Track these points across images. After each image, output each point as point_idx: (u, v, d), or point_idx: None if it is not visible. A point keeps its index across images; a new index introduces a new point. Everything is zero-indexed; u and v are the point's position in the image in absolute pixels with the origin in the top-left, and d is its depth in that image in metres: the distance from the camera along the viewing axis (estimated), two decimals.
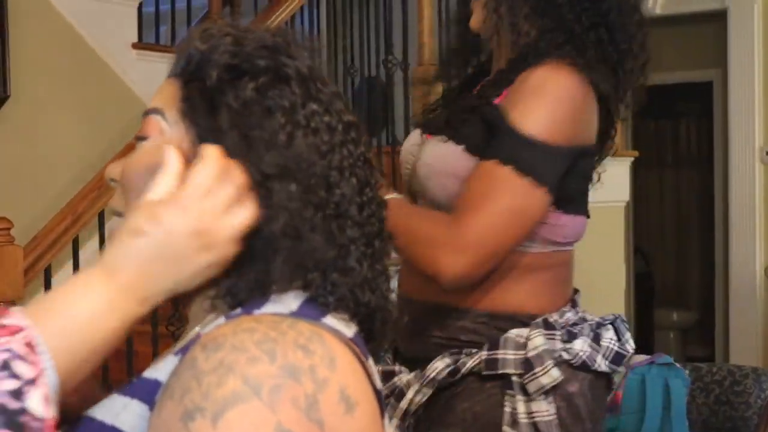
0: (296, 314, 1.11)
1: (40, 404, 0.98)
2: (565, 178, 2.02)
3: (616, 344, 2.10)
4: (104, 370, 3.64)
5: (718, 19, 6.50)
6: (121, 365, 3.66)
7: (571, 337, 2.05)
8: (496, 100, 2.05)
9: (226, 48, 1.16)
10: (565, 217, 2.09)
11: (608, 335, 2.10)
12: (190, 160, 1.14)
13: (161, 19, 5.44)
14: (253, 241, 1.13)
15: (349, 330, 1.15)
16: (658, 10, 6.59)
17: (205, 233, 1.09)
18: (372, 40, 5.06)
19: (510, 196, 1.95)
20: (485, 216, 1.94)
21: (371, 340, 1.21)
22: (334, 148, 1.16)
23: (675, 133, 9.32)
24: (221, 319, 1.12)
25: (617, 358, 2.10)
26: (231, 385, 1.01)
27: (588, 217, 2.18)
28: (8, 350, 0.98)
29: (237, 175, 1.11)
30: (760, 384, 3.13)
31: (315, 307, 1.14)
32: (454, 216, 1.96)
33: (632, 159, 5.48)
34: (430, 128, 2.18)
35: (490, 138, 2.00)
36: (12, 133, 4.51)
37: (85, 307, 1.06)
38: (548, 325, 2.04)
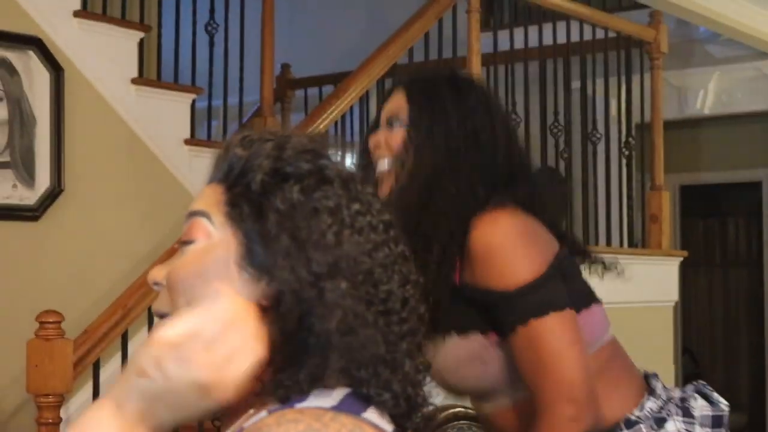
0: (337, 408, 1.12)
1: None
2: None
3: (710, 409, 2.10)
4: None
5: (766, 119, 6.51)
6: None
7: (659, 423, 2.06)
8: (459, 278, 2.07)
9: (268, 153, 1.20)
10: (585, 313, 2.11)
11: (698, 404, 2.11)
12: (237, 264, 1.17)
13: (213, 114, 5.52)
14: (308, 338, 1.13)
15: (389, 426, 1.16)
16: (706, 111, 6.61)
17: (206, 386, 1.08)
18: None
19: (552, 339, 1.99)
20: (565, 368, 1.98)
21: None
22: (378, 246, 1.19)
23: (724, 233, 9.27)
24: (263, 413, 1.13)
25: (717, 421, 2.10)
26: None
27: (599, 301, 2.19)
28: None
29: (246, 319, 1.10)
30: None
31: (356, 401, 1.15)
32: (537, 396, 2.01)
33: (681, 259, 5.45)
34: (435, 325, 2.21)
35: (483, 314, 2.04)
36: (65, 227, 4.57)
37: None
38: (630, 423, 2.05)
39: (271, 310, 1.16)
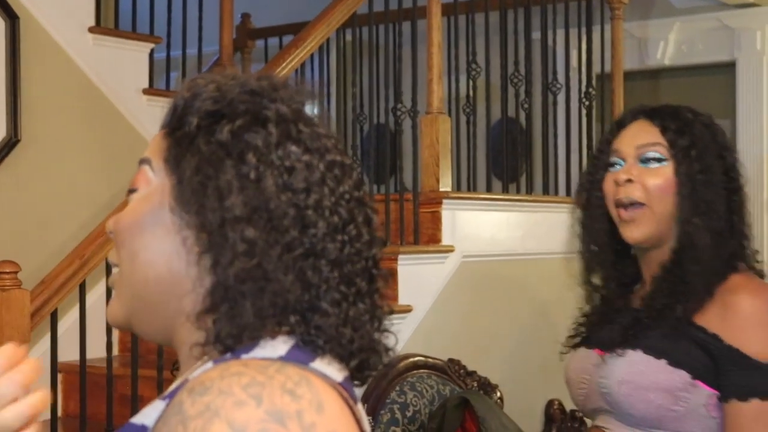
0: (285, 358, 1.11)
1: None
2: None
3: None
4: (108, 415, 3.63)
5: (726, 70, 6.52)
6: (125, 411, 3.65)
7: None
8: (698, 320, 2.13)
9: (208, 95, 1.19)
10: None
11: None
12: (170, 208, 1.16)
13: (172, 65, 5.47)
14: (214, 289, 1.12)
15: (339, 374, 1.14)
16: (667, 62, 6.62)
17: None
18: (381, 88, 5.08)
19: None
20: None
21: (363, 383, 1.21)
22: (311, 187, 1.15)
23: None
24: (209, 364, 1.12)
25: None
26: (216, 429, 0.99)
27: None
28: None
29: (25, 372, 1.18)
30: None
31: (304, 351, 1.13)
32: None
33: None
34: (602, 344, 2.25)
35: (708, 362, 2.10)
36: (22, 177, 4.53)
37: None
38: None
39: (204, 255, 1.14)
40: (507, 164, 5.01)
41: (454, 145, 4.84)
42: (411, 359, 3.53)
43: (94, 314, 3.67)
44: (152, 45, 5.14)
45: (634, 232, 2.21)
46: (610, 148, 2.30)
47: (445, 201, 4.27)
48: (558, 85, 5.22)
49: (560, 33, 5.36)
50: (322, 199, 1.16)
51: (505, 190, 4.98)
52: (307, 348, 1.14)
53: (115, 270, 1.23)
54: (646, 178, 2.21)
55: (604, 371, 2.20)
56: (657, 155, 2.21)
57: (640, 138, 2.24)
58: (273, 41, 6.42)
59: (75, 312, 3.99)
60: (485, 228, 4.48)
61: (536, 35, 5.29)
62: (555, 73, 5.25)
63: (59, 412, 3.88)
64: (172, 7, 5.17)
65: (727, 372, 2.09)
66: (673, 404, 2.10)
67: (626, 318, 2.23)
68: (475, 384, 3.66)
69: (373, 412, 3.27)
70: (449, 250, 4.26)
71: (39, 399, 1.18)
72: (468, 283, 4.36)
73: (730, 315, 2.11)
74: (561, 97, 5.28)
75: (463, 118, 5.04)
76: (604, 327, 2.28)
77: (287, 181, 1.14)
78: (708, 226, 2.16)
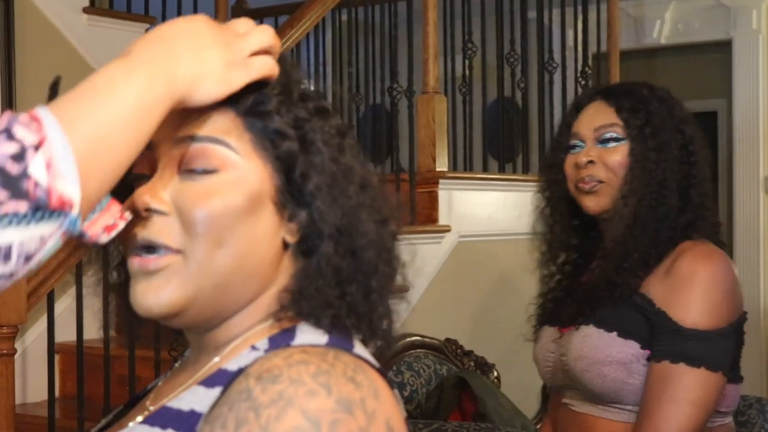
0: (331, 344, 1.11)
1: (43, 170, 0.91)
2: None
3: None
4: (106, 396, 3.63)
5: (722, 49, 6.52)
6: (123, 391, 3.65)
7: None
8: (640, 287, 2.16)
9: (278, 79, 1.16)
10: (729, 386, 2.18)
11: None
12: (272, 198, 1.14)
13: None
14: (342, 268, 1.14)
15: (374, 360, 1.15)
16: (663, 41, 6.61)
17: (227, 34, 1.09)
18: (377, 68, 5.07)
19: (688, 390, 2.07)
20: (672, 419, 2.06)
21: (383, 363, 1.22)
22: (367, 177, 1.19)
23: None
24: (251, 350, 1.11)
25: None
26: (291, 419, 0.99)
27: (741, 382, 2.26)
28: (10, 118, 0.93)
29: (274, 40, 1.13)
30: (764, 414, 3.11)
31: (341, 336, 1.13)
32: (641, 427, 2.09)
33: None
34: (562, 321, 2.29)
35: (649, 330, 2.13)
36: None
37: (100, 76, 1.01)
38: None
39: (300, 244, 1.15)
40: (503, 144, 5.01)
41: (450, 125, 4.83)
42: (408, 339, 3.54)
43: (90, 295, 3.67)
44: (147, 25, 5.13)
45: (592, 201, 2.25)
46: (569, 131, 2.32)
47: (441, 181, 4.27)
48: (554, 65, 5.21)
49: (556, 12, 5.36)
50: (370, 186, 1.19)
51: (502, 170, 4.98)
52: (340, 332, 1.14)
53: (167, 259, 1.12)
54: (605, 157, 2.24)
55: (563, 348, 2.24)
56: (614, 135, 2.25)
57: (598, 119, 2.27)
58: (269, 21, 6.40)
59: (72, 293, 3.99)
60: (482, 208, 4.48)
61: (532, 14, 5.29)
62: (551, 52, 5.24)
63: (57, 393, 3.88)
64: None
65: (655, 336, 2.12)
66: (627, 377, 2.12)
67: (581, 293, 2.25)
68: (472, 364, 3.67)
69: None
70: (446, 230, 4.26)
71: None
72: (464, 262, 4.37)
73: (668, 279, 2.14)
74: (557, 77, 5.28)
75: (459, 98, 5.04)
76: (564, 302, 2.30)
77: (363, 174, 1.18)
78: (660, 203, 2.19)
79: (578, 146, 2.29)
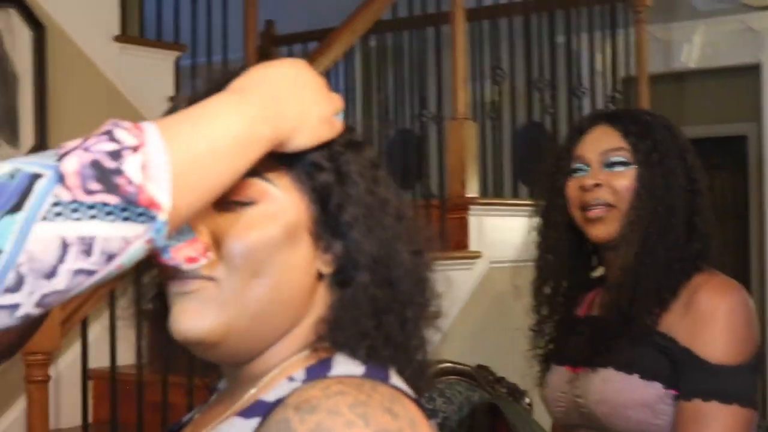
0: (367, 375, 1.12)
1: (137, 170, 0.92)
2: None
3: None
4: (138, 422, 3.64)
5: (751, 72, 6.50)
6: (155, 417, 3.66)
7: None
8: (657, 324, 2.12)
9: None
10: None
11: None
12: (309, 230, 1.15)
13: (198, 73, 5.48)
14: (378, 299, 1.15)
15: (410, 390, 1.15)
16: (692, 64, 6.60)
17: (324, 88, 1.14)
18: (406, 93, 5.08)
19: (722, 429, 2.03)
20: None
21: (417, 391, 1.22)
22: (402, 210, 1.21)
23: (709, 187, 9.26)
24: (288, 382, 1.12)
25: None
26: None
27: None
28: (114, 123, 0.95)
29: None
30: None
31: (377, 367, 1.14)
32: None
33: None
34: (573, 360, 2.24)
35: (673, 369, 2.08)
36: None
37: (209, 105, 1.03)
38: None
39: (336, 275, 1.16)
40: (533, 169, 5.01)
41: (480, 151, 4.84)
42: (439, 365, 3.53)
43: (123, 321, 3.68)
44: (178, 53, 5.17)
45: (599, 229, 2.19)
46: (571, 155, 2.27)
47: (471, 207, 4.27)
48: (583, 90, 5.21)
49: (584, 37, 5.36)
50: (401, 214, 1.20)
51: (532, 195, 4.97)
52: (376, 363, 1.15)
53: (200, 282, 1.12)
54: (612, 181, 2.20)
55: (578, 389, 2.18)
56: (622, 159, 2.20)
57: (604, 143, 2.23)
58: (298, 48, 6.44)
59: (105, 319, 4.01)
60: (512, 233, 4.47)
61: (560, 39, 5.29)
62: (580, 77, 5.25)
63: (90, 419, 3.89)
64: (197, 15, 5.19)
65: (682, 375, 2.08)
66: (653, 419, 2.08)
67: (589, 328, 2.22)
68: (504, 390, 3.65)
69: None
70: (476, 256, 4.26)
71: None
72: (495, 288, 4.36)
73: (689, 315, 2.09)
74: (586, 102, 5.28)
75: (488, 123, 5.04)
76: (569, 339, 2.26)
77: (398, 205, 1.19)
78: (668, 230, 2.16)
79: (582, 170, 2.24)
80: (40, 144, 4.47)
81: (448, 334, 4.01)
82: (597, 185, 2.20)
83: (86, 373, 3.69)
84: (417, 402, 1.13)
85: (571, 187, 2.24)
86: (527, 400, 3.67)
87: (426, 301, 1.19)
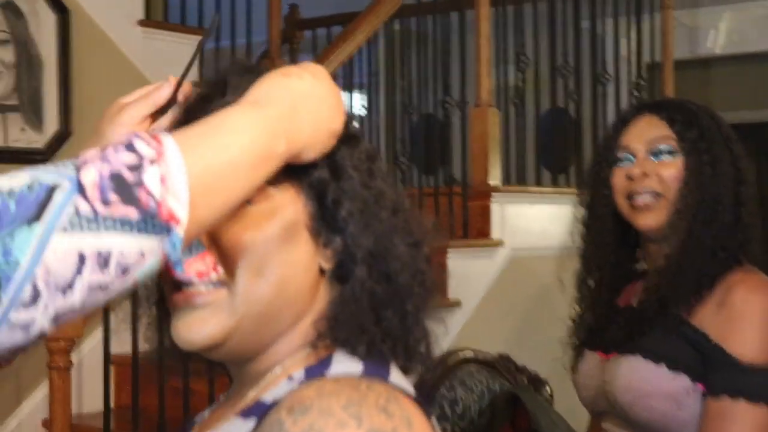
0: (366, 373, 1.12)
1: (157, 183, 0.91)
2: None
3: None
4: (160, 407, 3.66)
5: None
6: (177, 402, 3.68)
7: None
8: (690, 316, 2.11)
9: None
10: None
11: None
12: (308, 226, 1.15)
13: (221, 55, 5.48)
14: (376, 293, 1.15)
15: (411, 387, 1.15)
16: (718, 50, 6.56)
17: (339, 97, 1.15)
18: (430, 78, 5.07)
19: (748, 428, 2.01)
20: None
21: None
22: (399, 200, 1.21)
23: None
24: (288, 381, 1.12)
25: None
26: None
27: None
28: (133, 134, 0.94)
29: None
30: None
31: (376, 365, 1.14)
32: None
33: None
34: (605, 346, 2.23)
35: (702, 363, 2.07)
36: None
37: (226, 118, 1.02)
38: None
39: (335, 270, 1.17)
40: (556, 155, 4.99)
41: (503, 137, 4.82)
42: (460, 354, 3.53)
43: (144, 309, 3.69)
44: (200, 38, 5.16)
45: (648, 219, 2.19)
46: (616, 144, 2.26)
47: (494, 194, 4.27)
48: (607, 77, 5.19)
49: (609, 22, 5.33)
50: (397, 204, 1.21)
51: (555, 182, 4.96)
52: (376, 359, 1.15)
53: (212, 292, 1.14)
54: (660, 170, 2.19)
55: (606, 376, 2.19)
56: (669, 148, 2.19)
57: (650, 132, 2.22)
58: (321, 32, 6.42)
59: (126, 306, 4.01)
60: (535, 221, 4.47)
61: (585, 24, 5.26)
62: (604, 63, 5.22)
63: (112, 404, 3.91)
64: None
65: (711, 371, 2.07)
66: (677, 410, 2.07)
67: (625, 316, 2.22)
68: (525, 379, 3.65)
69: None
70: (498, 244, 4.26)
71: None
72: (517, 277, 4.35)
73: (722, 312, 2.08)
74: (611, 88, 5.25)
75: (512, 109, 5.02)
76: (605, 327, 2.26)
77: (394, 198, 1.20)
78: (714, 219, 2.14)
79: (628, 159, 2.23)
80: (65, 128, 4.48)
81: (469, 322, 4.04)
82: (644, 174, 2.19)
83: (108, 359, 3.71)
84: (416, 400, 1.12)
85: (617, 177, 2.24)
86: (548, 390, 3.67)
87: (426, 294, 1.19)
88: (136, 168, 0.90)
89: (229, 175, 0.98)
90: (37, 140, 4.42)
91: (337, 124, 1.13)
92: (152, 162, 0.91)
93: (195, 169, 0.94)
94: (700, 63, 6.74)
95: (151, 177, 0.91)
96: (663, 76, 5.42)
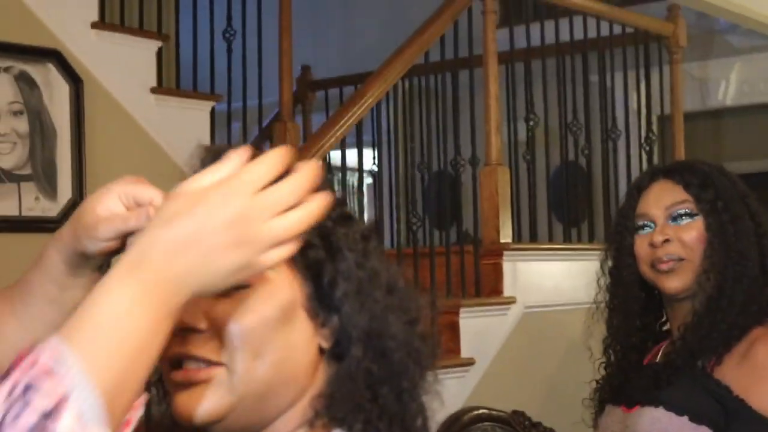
0: None
1: (74, 423, 0.88)
2: None
3: None
4: None
5: None
6: None
7: None
8: (713, 370, 2.12)
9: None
10: None
11: None
12: (305, 306, 1.17)
13: (233, 117, 5.53)
14: (373, 372, 1.17)
15: None
16: (728, 102, 6.58)
17: (244, 226, 0.97)
18: (440, 134, 5.10)
19: None
20: None
21: None
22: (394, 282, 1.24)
23: None
24: None
25: None
26: None
27: None
28: (29, 382, 0.89)
29: (307, 175, 1.00)
30: None
31: None
32: None
33: None
34: (628, 400, 2.24)
35: (724, 416, 2.08)
36: None
37: (107, 312, 0.95)
38: None
39: (333, 349, 1.19)
40: (568, 211, 5.01)
41: (514, 193, 4.84)
42: (475, 412, 3.52)
43: None
44: (213, 103, 5.22)
45: (674, 281, 2.21)
46: (634, 213, 2.30)
47: (505, 253, 4.28)
48: (617, 132, 5.21)
49: (618, 76, 5.36)
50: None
51: (567, 237, 4.97)
52: None
53: (209, 371, 1.15)
54: (681, 234, 2.22)
55: (629, 429, 2.20)
56: (687, 211, 2.22)
57: (667, 198, 2.25)
58: (333, 92, 6.48)
59: None
60: (547, 278, 4.48)
61: (594, 78, 5.29)
62: (614, 118, 5.24)
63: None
64: (232, 63, 5.24)
65: (733, 423, 2.07)
66: None
67: (649, 373, 2.23)
68: None
69: None
70: (511, 301, 4.26)
71: (318, 205, 1.00)
72: (531, 333, 4.35)
73: (745, 365, 2.10)
74: (621, 142, 5.27)
75: (522, 165, 5.04)
76: (628, 383, 2.27)
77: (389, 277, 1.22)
78: (744, 275, 2.16)
79: (648, 226, 2.26)
80: (79, 196, 4.52)
81: (483, 380, 4.04)
82: (666, 240, 2.22)
83: None
84: None
85: (640, 245, 2.27)
86: None
87: (422, 370, 1.20)
88: (49, 416, 0.88)
89: (135, 364, 0.96)
90: (51, 209, 4.46)
91: (244, 255, 0.98)
92: (59, 404, 0.89)
93: (104, 381, 0.92)
94: (711, 114, 6.76)
95: (65, 424, 0.88)
96: (673, 129, 5.44)
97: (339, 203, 1.21)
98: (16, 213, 4.36)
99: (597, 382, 2.42)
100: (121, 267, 0.97)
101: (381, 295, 1.18)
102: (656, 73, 5.46)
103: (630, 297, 2.32)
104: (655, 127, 5.46)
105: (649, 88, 5.41)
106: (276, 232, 0.98)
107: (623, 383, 2.31)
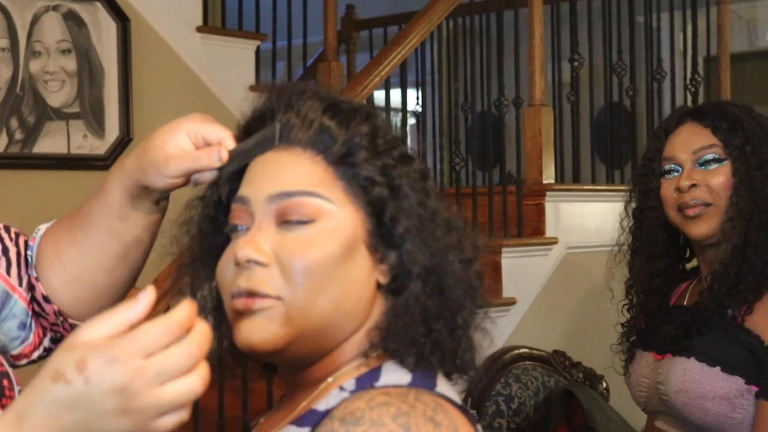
0: (413, 384, 1.17)
1: None
2: None
3: None
4: (220, 406, 3.72)
5: None
6: (236, 402, 3.74)
7: None
8: (744, 320, 2.13)
9: (367, 130, 1.23)
10: None
11: None
12: (366, 242, 1.20)
13: (278, 56, 5.54)
14: (429, 307, 1.20)
15: (457, 397, 1.20)
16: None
17: (129, 395, 0.94)
18: (484, 76, 5.09)
19: None
20: None
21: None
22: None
23: None
24: (339, 391, 1.17)
25: None
26: None
27: None
28: None
29: (198, 342, 0.96)
30: None
31: (424, 375, 1.19)
32: None
33: None
34: (659, 346, 2.26)
35: (756, 366, 2.09)
36: None
37: None
38: None
39: (390, 284, 1.22)
40: (612, 151, 4.99)
41: (558, 133, 4.83)
42: (516, 351, 3.55)
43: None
44: (258, 42, 5.24)
45: (701, 227, 2.21)
46: (661, 156, 2.29)
47: (548, 193, 4.28)
48: (663, 73, 5.17)
49: (665, 16, 5.30)
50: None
51: (610, 179, 4.96)
52: (425, 370, 1.19)
53: (268, 301, 1.17)
54: (708, 179, 2.21)
55: (660, 377, 2.21)
56: (715, 156, 2.21)
57: (694, 142, 2.23)
58: (378, 32, 6.46)
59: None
60: (589, 219, 4.48)
61: (640, 18, 5.25)
62: (660, 59, 5.20)
63: None
64: (277, 2, 5.25)
65: (764, 373, 2.08)
66: (731, 412, 2.10)
67: (678, 317, 2.23)
68: (580, 375, 3.67)
69: (478, 404, 3.31)
70: (553, 242, 4.27)
71: (201, 338, 0.97)
72: (572, 274, 4.36)
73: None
74: (666, 83, 5.23)
75: (566, 106, 5.02)
76: (658, 327, 2.28)
77: (448, 216, 1.25)
78: (767, 222, 2.16)
79: (675, 170, 2.25)
80: (126, 134, 4.57)
81: (524, 320, 4.05)
82: (693, 185, 2.21)
83: None
84: (462, 408, 1.17)
85: (666, 189, 2.26)
86: (604, 385, 3.68)
87: (476, 308, 1.24)
88: None
89: None
90: (99, 146, 4.52)
91: (124, 422, 0.95)
92: None
93: None
94: (758, 55, 6.68)
95: None
96: (720, 70, 5.39)
97: (400, 142, 1.24)
98: (65, 151, 4.42)
99: (622, 326, 2.43)
100: (7, 420, 0.96)
101: (441, 233, 1.21)
102: (703, 14, 5.40)
103: (653, 240, 2.33)
104: (701, 69, 5.41)
105: (695, 28, 5.35)
106: (162, 402, 0.94)
107: (651, 328, 2.31)
